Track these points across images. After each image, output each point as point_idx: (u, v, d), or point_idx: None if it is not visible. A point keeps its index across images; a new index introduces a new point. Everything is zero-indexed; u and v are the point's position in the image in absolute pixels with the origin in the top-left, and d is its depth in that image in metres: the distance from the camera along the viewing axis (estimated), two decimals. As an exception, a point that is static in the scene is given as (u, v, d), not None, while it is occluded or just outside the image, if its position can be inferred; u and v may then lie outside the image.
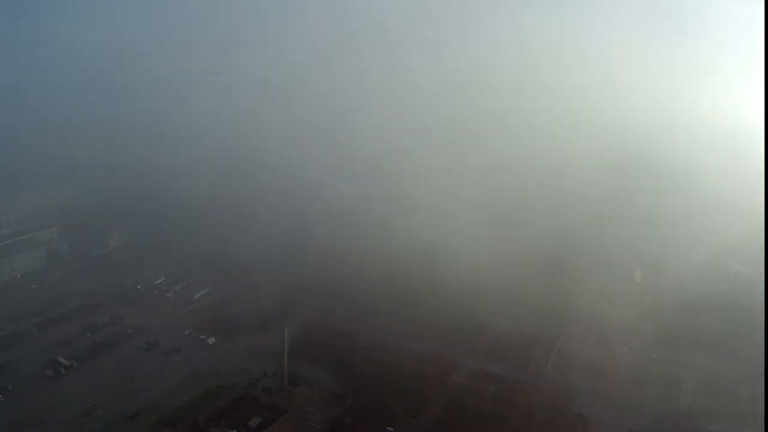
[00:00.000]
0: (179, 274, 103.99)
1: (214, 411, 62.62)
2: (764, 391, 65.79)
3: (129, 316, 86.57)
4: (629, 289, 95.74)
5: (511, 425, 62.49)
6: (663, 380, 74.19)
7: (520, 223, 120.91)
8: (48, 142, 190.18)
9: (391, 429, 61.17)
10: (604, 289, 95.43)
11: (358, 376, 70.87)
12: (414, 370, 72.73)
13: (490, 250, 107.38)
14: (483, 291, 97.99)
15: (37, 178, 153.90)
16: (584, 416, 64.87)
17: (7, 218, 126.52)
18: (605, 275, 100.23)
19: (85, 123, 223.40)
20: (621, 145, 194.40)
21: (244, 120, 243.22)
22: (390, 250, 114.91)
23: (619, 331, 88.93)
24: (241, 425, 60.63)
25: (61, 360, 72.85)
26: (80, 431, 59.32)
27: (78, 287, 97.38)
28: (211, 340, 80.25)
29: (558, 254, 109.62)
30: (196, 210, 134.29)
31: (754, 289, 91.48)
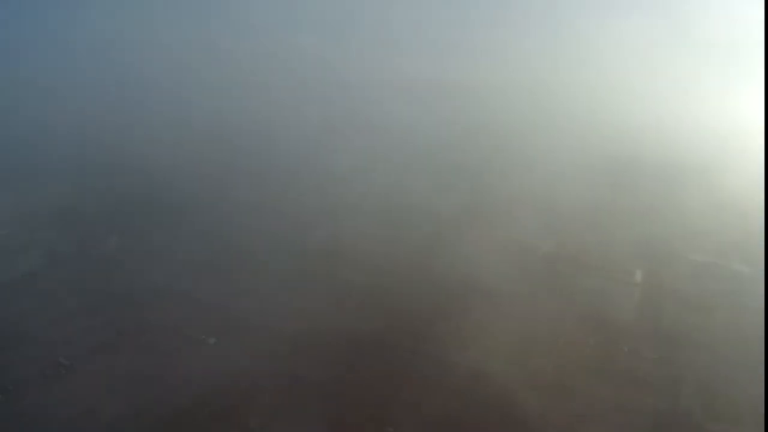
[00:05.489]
0: (180, 274, 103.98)
1: (214, 411, 62.57)
2: (764, 391, 66.04)
3: (129, 316, 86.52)
4: (629, 288, 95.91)
5: (511, 425, 62.61)
6: (663, 380, 74.20)
7: (517, 220, 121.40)
8: (48, 141, 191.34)
9: (391, 429, 61.13)
10: (603, 289, 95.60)
11: (359, 375, 70.99)
12: (414, 370, 72.88)
13: (487, 248, 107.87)
14: (480, 290, 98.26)
15: (37, 178, 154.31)
16: (584, 416, 64.92)
17: (7, 218, 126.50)
18: (604, 275, 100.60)
19: (86, 122, 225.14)
20: (620, 143, 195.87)
21: (245, 119, 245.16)
22: (392, 248, 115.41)
23: (619, 331, 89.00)
24: (241, 425, 60.55)
25: (61, 360, 72.77)
26: (80, 431, 59.39)
27: (78, 287, 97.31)
28: (211, 341, 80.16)
29: (555, 253, 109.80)
30: (197, 209, 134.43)
31: (754, 289, 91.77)
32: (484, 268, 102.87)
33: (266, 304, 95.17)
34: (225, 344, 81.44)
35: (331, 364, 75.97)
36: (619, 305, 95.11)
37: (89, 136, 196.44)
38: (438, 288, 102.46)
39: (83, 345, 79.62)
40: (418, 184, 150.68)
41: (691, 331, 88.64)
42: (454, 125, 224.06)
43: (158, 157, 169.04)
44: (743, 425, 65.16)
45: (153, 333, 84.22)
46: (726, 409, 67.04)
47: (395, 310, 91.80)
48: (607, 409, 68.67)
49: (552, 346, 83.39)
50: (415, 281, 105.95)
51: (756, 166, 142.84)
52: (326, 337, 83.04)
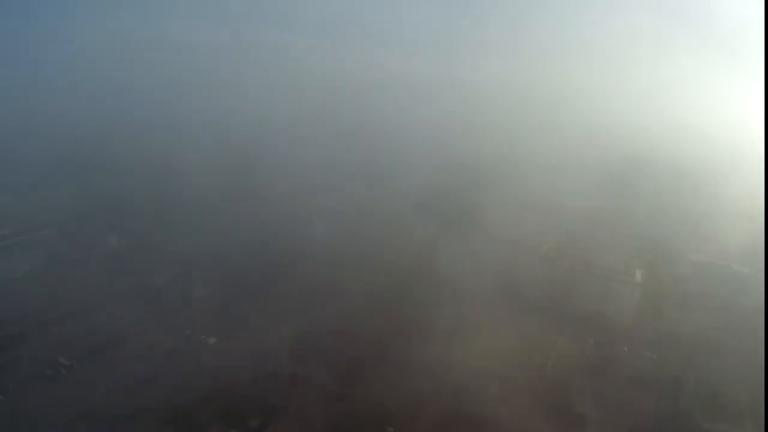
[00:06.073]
0: (180, 274, 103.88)
1: (214, 411, 62.58)
2: (764, 391, 65.86)
3: (129, 317, 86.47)
4: (629, 288, 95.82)
5: (511, 425, 62.53)
6: (663, 380, 74.23)
7: (517, 220, 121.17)
8: (48, 141, 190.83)
9: (391, 429, 61.15)
10: (604, 288, 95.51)
11: (359, 376, 70.91)
12: (412, 370, 72.77)
13: (487, 248, 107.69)
14: (481, 290, 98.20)
15: (37, 178, 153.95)
16: (584, 416, 64.89)
17: (7, 218, 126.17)
18: (604, 274, 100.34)
19: (85, 122, 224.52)
20: (622, 144, 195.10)
21: (243, 119, 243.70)
22: (392, 249, 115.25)
23: (619, 330, 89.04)
24: (241, 425, 60.56)
25: (61, 360, 72.79)
26: (80, 431, 59.32)
27: (78, 287, 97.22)
28: (211, 340, 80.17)
29: (556, 253, 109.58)
30: (196, 209, 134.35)
31: (754, 289, 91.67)
32: (485, 267, 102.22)
33: (266, 304, 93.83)
34: (225, 344, 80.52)
35: (331, 364, 74.95)
36: (619, 305, 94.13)
37: (89, 138, 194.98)
38: (438, 288, 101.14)
39: (83, 345, 78.89)
40: (420, 183, 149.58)
41: (691, 331, 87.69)
42: (455, 125, 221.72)
43: (158, 158, 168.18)
44: (743, 425, 64.59)
45: (153, 333, 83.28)
46: (726, 409, 66.63)
47: (396, 310, 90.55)
48: (606, 408, 68.01)
49: (552, 345, 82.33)
50: (416, 281, 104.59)
51: (756, 167, 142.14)
52: (327, 337, 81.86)
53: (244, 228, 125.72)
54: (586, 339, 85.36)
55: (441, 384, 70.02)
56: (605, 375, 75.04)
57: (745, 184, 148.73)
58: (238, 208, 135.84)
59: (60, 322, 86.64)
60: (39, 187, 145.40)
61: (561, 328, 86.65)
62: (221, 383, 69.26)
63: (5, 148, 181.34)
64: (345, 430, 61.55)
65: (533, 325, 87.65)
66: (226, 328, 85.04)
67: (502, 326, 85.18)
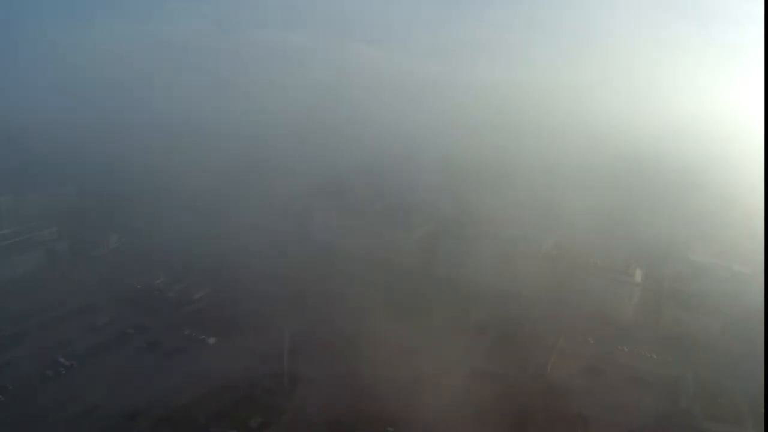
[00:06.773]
0: (179, 274, 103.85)
1: (214, 411, 62.53)
2: (764, 391, 65.82)
3: (129, 316, 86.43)
4: (629, 288, 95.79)
5: (511, 425, 62.47)
6: (663, 380, 74.20)
7: (517, 220, 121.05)
8: (48, 142, 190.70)
9: (391, 429, 61.10)
10: (603, 289, 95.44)
11: (359, 376, 70.83)
12: (414, 369, 72.67)
13: (487, 248, 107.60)
14: (483, 290, 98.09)
15: (37, 178, 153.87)
16: (584, 416, 64.83)
17: (7, 218, 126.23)
18: (604, 274, 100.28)
19: (86, 123, 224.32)
20: (622, 144, 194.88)
21: (244, 121, 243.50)
22: (390, 249, 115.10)
23: (619, 330, 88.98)
24: (241, 425, 60.53)
25: (61, 360, 72.75)
26: (80, 431, 59.25)
27: (78, 287, 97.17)
28: (211, 340, 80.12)
29: (557, 253, 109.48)
30: (196, 210, 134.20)
31: (754, 289, 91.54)
32: (485, 267, 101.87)
33: (266, 304, 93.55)
34: (225, 344, 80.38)
35: (331, 364, 74.81)
36: (619, 305, 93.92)
37: (89, 139, 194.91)
38: (438, 287, 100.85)
39: (83, 345, 78.78)
40: (420, 183, 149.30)
41: (690, 331, 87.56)
42: (454, 125, 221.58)
43: (158, 159, 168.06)
44: (743, 425, 64.47)
45: (153, 333, 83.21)
46: (726, 409, 66.52)
47: (396, 310, 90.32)
48: (606, 408, 67.91)
49: (552, 345, 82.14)
50: (416, 281, 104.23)
51: (756, 167, 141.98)
52: (327, 337, 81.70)
53: (243, 228, 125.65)
54: (586, 339, 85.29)
55: (441, 383, 69.94)
56: (605, 375, 75.01)
57: (745, 184, 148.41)
58: (238, 209, 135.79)
59: (60, 322, 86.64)
60: (39, 187, 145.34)
61: (561, 328, 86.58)
62: (221, 383, 69.22)
63: (6, 148, 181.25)
64: (345, 430, 61.49)
65: (533, 325, 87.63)
66: (225, 328, 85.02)
67: (502, 326, 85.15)
